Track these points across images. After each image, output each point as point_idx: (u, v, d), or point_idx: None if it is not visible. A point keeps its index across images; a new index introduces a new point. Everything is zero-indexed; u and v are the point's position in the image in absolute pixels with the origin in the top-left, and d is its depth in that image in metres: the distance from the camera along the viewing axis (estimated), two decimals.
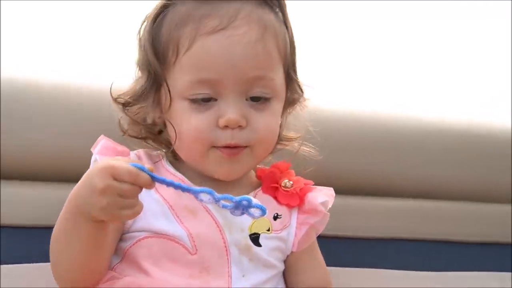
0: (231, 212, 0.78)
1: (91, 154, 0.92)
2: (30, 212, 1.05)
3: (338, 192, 0.98)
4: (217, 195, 0.75)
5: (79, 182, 0.78)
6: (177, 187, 0.75)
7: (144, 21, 0.92)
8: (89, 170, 0.78)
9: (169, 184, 0.75)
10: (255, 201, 0.77)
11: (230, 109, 0.85)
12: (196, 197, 0.77)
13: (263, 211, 0.77)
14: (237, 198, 0.76)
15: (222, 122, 0.84)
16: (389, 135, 1.23)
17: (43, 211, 1.03)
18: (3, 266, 1.02)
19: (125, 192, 0.73)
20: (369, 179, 1.22)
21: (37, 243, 0.99)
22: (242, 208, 0.77)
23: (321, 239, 1.00)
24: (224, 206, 0.77)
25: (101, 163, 0.76)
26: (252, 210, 0.77)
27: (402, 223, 1.23)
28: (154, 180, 0.74)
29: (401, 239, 1.22)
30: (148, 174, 0.74)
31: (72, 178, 0.90)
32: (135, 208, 0.75)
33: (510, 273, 1.30)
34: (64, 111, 1.06)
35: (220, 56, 0.84)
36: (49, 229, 0.86)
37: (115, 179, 0.73)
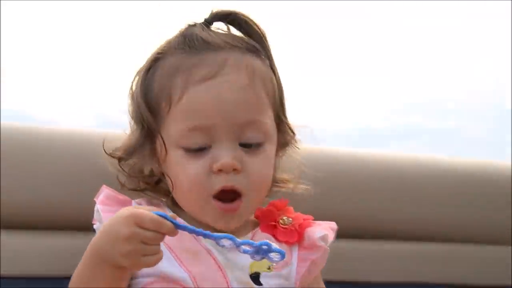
0: (251, 257, 0.78)
1: (92, 202, 0.92)
2: (30, 262, 1.04)
3: (343, 235, 0.99)
4: (238, 240, 0.76)
5: (101, 230, 0.79)
6: (199, 233, 0.76)
7: (136, 76, 0.93)
8: (111, 218, 0.79)
9: (191, 230, 0.77)
10: (274, 246, 0.77)
11: (224, 154, 0.85)
12: (218, 243, 0.77)
13: (282, 256, 0.77)
14: (257, 243, 0.77)
15: (216, 166, 0.84)
16: (389, 176, 1.23)
17: (42, 260, 1.03)
18: None
19: (148, 240, 0.74)
20: (371, 221, 1.22)
21: None
22: (262, 252, 0.78)
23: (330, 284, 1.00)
24: (244, 251, 0.78)
25: (125, 212, 0.78)
26: (272, 254, 0.78)
27: (402, 266, 1.23)
28: (176, 227, 0.76)
29: (401, 283, 1.22)
30: (171, 221, 0.75)
31: (73, 226, 0.92)
32: (157, 256, 0.76)
33: None
34: (64, 160, 1.07)
35: (212, 103, 0.85)
36: (48, 279, 0.89)
37: (139, 226, 0.74)
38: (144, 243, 0.75)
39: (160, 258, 0.76)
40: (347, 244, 1.11)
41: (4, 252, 1.02)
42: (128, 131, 0.95)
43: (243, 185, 0.86)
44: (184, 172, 0.87)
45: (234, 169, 0.85)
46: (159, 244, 0.76)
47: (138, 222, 0.74)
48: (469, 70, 2.02)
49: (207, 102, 0.86)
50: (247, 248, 0.77)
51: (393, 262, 1.21)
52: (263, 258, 0.78)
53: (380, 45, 1.92)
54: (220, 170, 0.85)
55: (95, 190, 0.93)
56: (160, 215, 0.76)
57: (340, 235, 0.97)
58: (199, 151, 0.86)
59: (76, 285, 0.83)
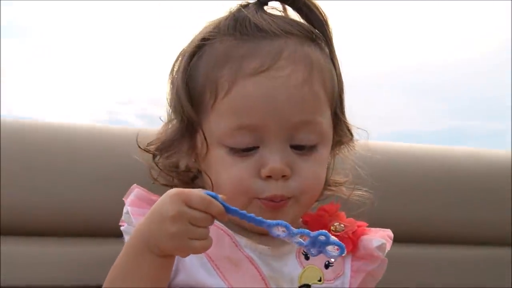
0: (307, 251, 0.73)
1: (100, 206, 0.92)
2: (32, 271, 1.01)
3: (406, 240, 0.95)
4: (293, 229, 0.72)
5: (147, 213, 0.75)
6: (250, 219, 0.72)
7: (178, 58, 0.88)
8: (158, 200, 0.75)
9: (242, 215, 0.73)
10: (333, 238, 0.73)
11: (273, 158, 0.80)
12: (270, 231, 0.73)
13: (342, 249, 0.72)
14: (314, 233, 0.72)
15: (265, 172, 0.79)
16: (451, 174, 1.19)
17: (46, 269, 1.00)
18: None
19: (196, 220, 0.70)
20: (429, 224, 1.18)
21: None
22: (319, 245, 0.73)
23: None
24: (299, 244, 0.73)
25: (173, 190, 0.73)
26: (330, 248, 0.72)
27: (464, 272, 1.19)
28: (227, 210, 0.72)
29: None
30: (221, 203, 0.71)
31: (76, 233, 0.93)
32: (205, 241, 0.71)
33: None
34: (71, 160, 1.04)
35: (263, 101, 0.79)
36: None
37: (188, 205, 0.70)
38: (192, 224, 0.70)
39: (209, 245, 0.71)
40: (405, 250, 1.08)
41: (4, 260, 0.99)
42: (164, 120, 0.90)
43: (293, 191, 0.82)
44: (227, 173, 0.82)
45: (283, 175, 0.80)
46: (208, 228, 0.71)
47: (186, 200, 0.70)
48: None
49: (258, 99, 0.80)
50: (302, 240, 0.72)
51: (456, 268, 1.18)
52: (320, 252, 0.72)
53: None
54: (268, 176, 0.80)
55: (104, 194, 0.92)
56: (211, 195, 0.71)
57: (398, 240, 0.92)
58: (245, 151, 0.81)
59: (114, 279, 0.78)
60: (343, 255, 0.73)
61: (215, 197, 0.72)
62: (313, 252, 0.73)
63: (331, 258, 0.75)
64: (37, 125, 1.08)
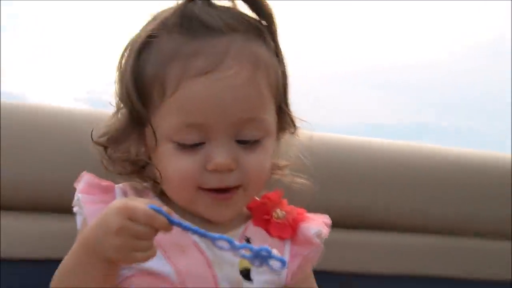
0: (250, 262, 0.76)
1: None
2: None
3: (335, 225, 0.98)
4: (237, 243, 0.74)
5: (93, 223, 0.77)
6: (195, 232, 0.74)
7: (125, 50, 0.89)
8: (105, 211, 0.77)
9: (187, 228, 0.75)
10: (274, 252, 0.75)
11: (219, 153, 0.83)
12: (214, 244, 0.75)
13: (284, 264, 0.75)
14: (257, 248, 0.75)
15: (211, 166, 0.82)
16: (388, 167, 1.23)
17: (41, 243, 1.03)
18: None
19: (139, 234, 0.73)
20: (368, 212, 1.22)
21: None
22: (261, 258, 0.75)
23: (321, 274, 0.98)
24: (242, 256, 0.75)
25: (118, 203, 0.76)
26: (271, 262, 0.75)
27: (402, 258, 1.24)
28: (171, 223, 0.74)
29: (400, 275, 1.23)
30: (166, 217, 0.73)
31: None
32: (149, 252, 0.74)
33: None
34: (64, 140, 1.07)
35: (209, 100, 0.81)
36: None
37: (131, 219, 0.73)
38: (136, 238, 0.73)
39: (153, 255, 0.74)
40: (342, 235, 1.12)
41: (4, 234, 1.02)
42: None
43: (238, 181, 0.85)
44: (175, 166, 0.84)
45: (229, 169, 0.83)
46: (151, 240, 0.74)
47: (130, 214, 0.72)
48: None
49: (204, 100, 0.82)
50: (245, 253, 0.75)
51: (389, 254, 1.23)
52: (262, 264, 0.75)
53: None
54: (214, 169, 0.83)
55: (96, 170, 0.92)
56: (155, 209, 0.73)
57: (335, 225, 0.97)
58: (192, 146, 0.84)
59: (67, 277, 0.82)
60: (285, 268, 0.78)
61: (159, 211, 0.73)
62: (256, 263, 0.76)
63: (273, 271, 0.77)
64: (33, 107, 1.10)
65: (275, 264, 0.75)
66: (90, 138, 0.90)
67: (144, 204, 0.74)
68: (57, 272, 0.83)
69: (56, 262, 0.84)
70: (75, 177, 0.93)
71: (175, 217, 0.75)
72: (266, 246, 0.75)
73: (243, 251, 0.75)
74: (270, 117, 0.88)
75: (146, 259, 0.75)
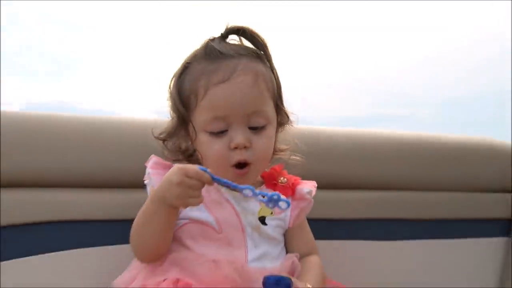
0: (266, 205, 0.94)
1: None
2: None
3: (325, 187, 1.16)
4: (257, 191, 0.94)
5: (161, 182, 0.97)
6: (228, 184, 0.94)
7: (172, 78, 1.10)
8: (168, 172, 0.97)
9: (223, 183, 0.94)
10: (282, 196, 0.94)
11: (237, 136, 1.03)
12: (241, 192, 0.94)
13: (288, 204, 0.94)
14: (270, 193, 0.94)
15: (233, 145, 1.02)
16: (352, 146, 1.42)
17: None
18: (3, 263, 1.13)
19: (192, 186, 0.93)
20: (343, 178, 1.40)
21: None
22: (273, 201, 0.93)
23: (313, 221, 1.20)
24: (261, 200, 0.94)
25: (177, 166, 0.96)
26: (280, 203, 0.94)
27: (364, 207, 1.42)
28: (213, 179, 0.93)
29: (367, 219, 1.43)
30: (209, 174, 0.93)
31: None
32: (199, 199, 0.94)
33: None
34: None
35: (226, 99, 1.02)
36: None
37: (187, 176, 0.93)
38: (189, 188, 0.93)
39: (201, 201, 0.94)
40: (324, 193, 1.25)
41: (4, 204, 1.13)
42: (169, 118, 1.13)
43: (251, 157, 1.04)
44: (210, 149, 1.04)
45: (245, 146, 1.03)
46: (200, 191, 0.94)
47: (186, 173, 0.93)
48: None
49: (223, 99, 1.02)
50: (262, 198, 0.94)
51: (358, 204, 1.42)
52: (274, 206, 0.94)
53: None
54: (235, 148, 1.03)
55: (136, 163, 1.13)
56: (202, 169, 0.93)
57: (320, 187, 1.17)
58: (219, 133, 1.04)
59: (142, 222, 1.02)
60: (289, 207, 0.95)
61: (205, 170, 0.93)
62: (270, 205, 0.94)
63: (281, 209, 0.94)
64: (122, 120, 1.26)
65: (283, 204, 0.94)
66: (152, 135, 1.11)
67: (195, 166, 0.94)
68: (134, 223, 1.03)
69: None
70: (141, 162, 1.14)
71: (215, 175, 0.93)
72: (276, 192, 0.96)
73: (261, 197, 0.94)
74: (270, 110, 1.07)
75: (197, 203, 0.95)
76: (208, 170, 0.94)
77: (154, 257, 1.04)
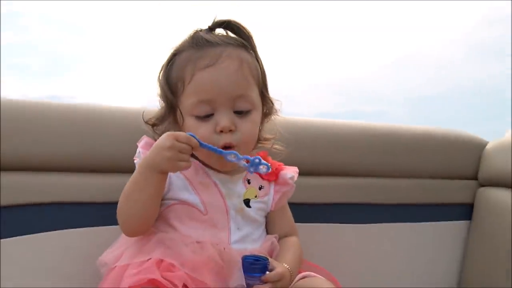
0: (247, 170, 1.00)
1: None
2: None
3: (302, 174, 1.21)
4: (240, 155, 0.99)
5: (151, 149, 1.01)
6: (213, 149, 0.99)
7: (161, 69, 1.13)
8: (157, 140, 1.01)
9: (208, 147, 1.00)
10: (263, 161, 1.00)
11: (223, 119, 1.05)
12: (225, 157, 0.99)
13: (268, 168, 1.00)
14: (252, 157, 0.99)
15: (218, 128, 1.04)
16: (330, 136, 1.49)
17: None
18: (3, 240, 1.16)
19: (182, 149, 0.97)
20: (317, 164, 1.47)
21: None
22: (255, 165, 0.98)
23: (293, 205, 1.25)
24: (243, 165, 0.99)
25: (167, 133, 1.00)
26: (261, 167, 1.00)
27: (341, 192, 1.49)
28: (200, 144, 0.99)
29: (343, 203, 1.50)
30: (197, 140, 0.99)
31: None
32: (188, 163, 0.99)
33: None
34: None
35: (212, 83, 1.04)
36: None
37: (177, 140, 0.98)
38: (179, 151, 0.97)
39: (189, 166, 0.99)
40: (304, 179, 1.31)
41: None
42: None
43: (237, 140, 1.06)
44: (196, 132, 1.04)
45: (230, 130, 1.05)
46: (189, 155, 0.98)
47: (176, 137, 0.98)
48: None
49: (208, 83, 1.04)
50: (245, 162, 0.99)
51: (334, 189, 1.48)
52: (255, 170, 0.99)
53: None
54: (221, 131, 1.05)
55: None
56: (191, 135, 0.98)
57: (301, 173, 1.22)
58: (205, 117, 1.06)
59: (130, 190, 1.03)
60: (269, 171, 1.01)
61: (193, 136, 0.99)
62: (251, 169, 0.98)
63: (263, 173, 1.00)
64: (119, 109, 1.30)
65: (263, 168, 0.98)
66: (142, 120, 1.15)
67: (184, 133, 0.98)
68: (121, 196, 1.04)
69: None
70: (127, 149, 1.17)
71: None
72: (258, 156, 0.99)
73: (243, 161, 0.98)
74: (255, 95, 1.09)
75: (185, 167, 0.98)
76: (196, 136, 0.99)
77: (141, 228, 1.06)
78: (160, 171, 1.01)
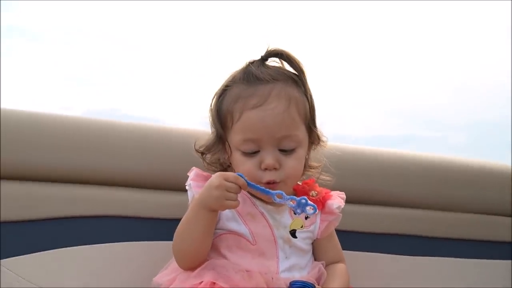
0: (294, 210, 1.01)
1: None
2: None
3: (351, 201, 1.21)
4: (286, 196, 1.01)
5: (203, 189, 1.05)
6: (260, 189, 1.02)
7: (213, 98, 1.16)
8: (209, 180, 1.04)
9: (256, 187, 1.02)
10: (309, 202, 1.01)
11: (268, 158, 1.07)
12: (272, 197, 1.01)
13: (315, 209, 1.00)
14: (299, 198, 1.00)
15: (263, 166, 1.07)
16: (381, 167, 1.47)
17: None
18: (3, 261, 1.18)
19: (230, 188, 1.00)
20: (368, 194, 1.46)
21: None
22: (301, 205, 0.99)
23: (341, 232, 1.25)
24: (290, 206, 1.00)
25: (218, 173, 1.04)
26: (307, 208, 1.00)
27: (391, 223, 1.48)
28: (248, 184, 1.02)
29: (390, 234, 1.49)
30: (245, 179, 1.02)
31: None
32: (235, 202, 1.01)
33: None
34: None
35: (259, 124, 1.07)
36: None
37: (225, 179, 1.01)
38: (227, 191, 1.00)
39: (237, 205, 1.01)
40: (352, 207, 1.33)
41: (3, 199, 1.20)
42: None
43: (281, 177, 1.08)
44: (242, 167, 1.10)
45: (275, 168, 1.07)
46: (237, 194, 1.01)
47: (225, 177, 1.01)
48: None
49: (255, 123, 1.07)
50: (291, 203, 1.01)
51: (383, 219, 1.48)
52: (302, 211, 1.00)
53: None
54: (265, 168, 1.08)
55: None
56: (238, 175, 1.02)
57: (349, 201, 1.23)
58: (251, 154, 1.09)
59: (184, 228, 1.08)
60: (316, 212, 1.01)
61: (242, 176, 1.02)
62: (298, 211, 1.01)
63: (309, 215, 1.02)
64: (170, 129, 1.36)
65: (310, 209, 0.99)
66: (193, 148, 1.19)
67: (233, 173, 1.02)
68: (176, 231, 1.09)
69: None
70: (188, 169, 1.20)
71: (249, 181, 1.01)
72: (304, 196, 1.00)
73: (290, 202, 1.00)
74: (301, 134, 1.10)
75: (233, 206, 1.01)
76: (244, 175, 1.02)
77: (194, 263, 1.08)
78: (209, 209, 1.04)
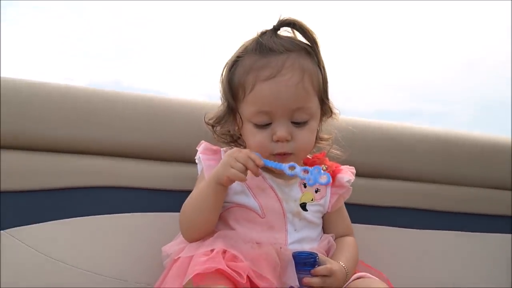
0: (306, 181, 0.99)
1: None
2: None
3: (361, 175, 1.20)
4: (299, 167, 0.99)
5: (217, 166, 1.05)
6: (274, 164, 1.01)
7: (224, 67, 1.14)
8: (225, 154, 1.05)
9: (270, 164, 1.01)
10: (323, 171, 0.99)
11: (280, 129, 1.06)
12: (284, 170, 1.00)
13: (329, 178, 0.98)
14: (311, 168, 0.98)
15: (275, 138, 1.06)
16: (390, 141, 1.47)
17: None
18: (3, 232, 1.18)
19: (238, 157, 1.01)
20: (376, 167, 1.46)
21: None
22: (314, 175, 0.98)
23: (350, 205, 1.25)
24: (302, 177, 0.99)
25: (232, 150, 1.05)
26: (321, 177, 0.98)
27: (399, 196, 1.48)
28: (263, 160, 1.02)
29: (398, 207, 1.49)
30: (259, 156, 1.02)
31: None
32: (242, 175, 1.01)
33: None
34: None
35: (272, 96, 1.05)
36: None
37: (239, 151, 1.02)
38: (236, 160, 1.00)
39: (244, 179, 1.01)
40: (361, 181, 1.33)
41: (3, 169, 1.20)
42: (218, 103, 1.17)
43: (292, 149, 1.07)
44: (254, 139, 1.08)
45: (287, 140, 1.06)
46: (246, 171, 1.01)
47: (240, 150, 1.02)
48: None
49: (268, 95, 1.05)
50: (304, 173, 0.99)
51: (391, 193, 1.47)
52: (315, 182, 0.98)
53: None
54: (277, 140, 1.06)
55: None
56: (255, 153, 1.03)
57: (359, 174, 1.23)
58: (263, 126, 1.07)
59: (195, 201, 1.08)
60: (329, 182, 0.98)
61: (256, 154, 1.02)
62: (311, 181, 0.98)
63: (322, 184, 0.99)
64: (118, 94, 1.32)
65: (323, 179, 0.97)
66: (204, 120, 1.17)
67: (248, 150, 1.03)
68: (183, 206, 1.09)
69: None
70: (197, 142, 1.19)
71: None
72: (318, 166, 1.00)
73: (303, 173, 0.98)
74: (314, 106, 1.09)
75: (239, 177, 1.00)
76: (259, 155, 1.02)
77: (199, 235, 1.08)
78: (219, 182, 1.03)
